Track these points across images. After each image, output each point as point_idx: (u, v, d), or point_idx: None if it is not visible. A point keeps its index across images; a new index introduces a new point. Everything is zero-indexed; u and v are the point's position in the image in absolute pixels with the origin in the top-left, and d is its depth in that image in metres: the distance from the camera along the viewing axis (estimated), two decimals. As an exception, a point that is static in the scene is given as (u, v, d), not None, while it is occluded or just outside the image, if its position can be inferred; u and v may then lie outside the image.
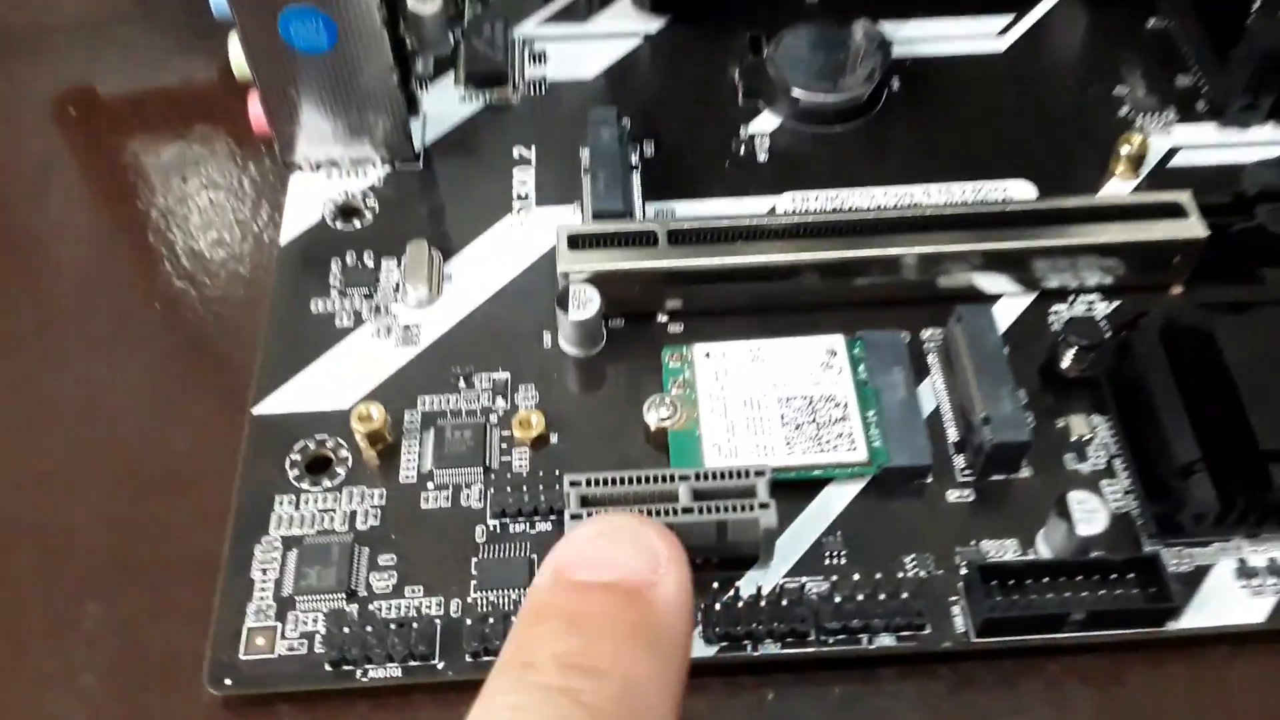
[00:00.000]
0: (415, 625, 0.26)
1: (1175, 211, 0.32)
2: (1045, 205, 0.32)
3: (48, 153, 0.37)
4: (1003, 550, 0.28)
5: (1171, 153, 0.36)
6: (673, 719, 0.20)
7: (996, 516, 0.28)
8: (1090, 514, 0.27)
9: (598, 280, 0.31)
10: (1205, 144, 0.36)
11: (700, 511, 0.26)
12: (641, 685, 0.19)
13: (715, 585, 0.27)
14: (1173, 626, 0.27)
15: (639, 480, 0.27)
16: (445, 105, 0.37)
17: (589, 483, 0.27)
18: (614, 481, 0.27)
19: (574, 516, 0.26)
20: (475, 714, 0.20)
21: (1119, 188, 0.35)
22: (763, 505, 0.26)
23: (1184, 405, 0.28)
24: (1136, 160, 0.35)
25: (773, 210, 0.34)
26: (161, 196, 0.36)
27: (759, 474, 0.27)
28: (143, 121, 0.38)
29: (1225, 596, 0.27)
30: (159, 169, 0.37)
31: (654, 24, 0.39)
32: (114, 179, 0.37)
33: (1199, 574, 0.27)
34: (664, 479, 0.27)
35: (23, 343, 0.32)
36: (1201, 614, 0.27)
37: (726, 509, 0.26)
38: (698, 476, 0.27)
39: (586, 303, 0.30)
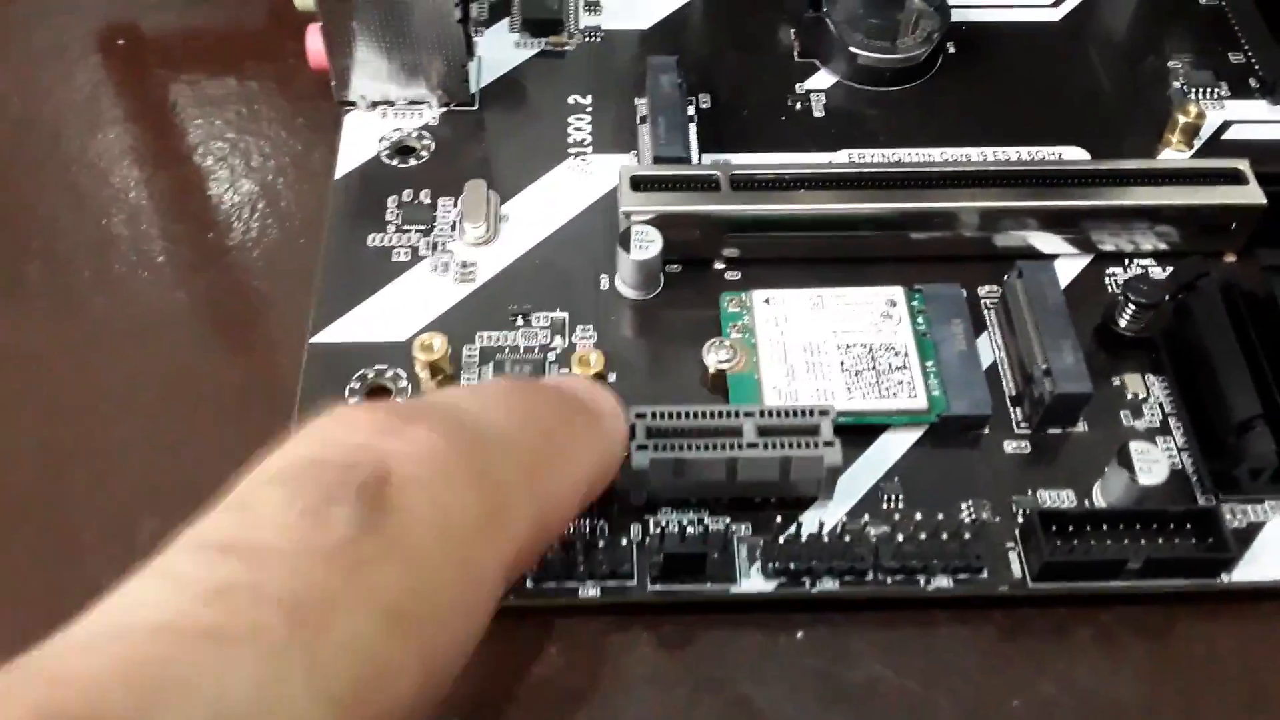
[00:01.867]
0: (476, 551, 0.26)
1: (1234, 178, 0.32)
2: (1107, 166, 0.32)
3: (95, 83, 0.37)
4: (1059, 500, 0.28)
5: (1224, 126, 0.36)
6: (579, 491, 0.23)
7: (1052, 468, 0.29)
8: (1152, 464, 0.27)
9: (659, 222, 0.31)
10: (1257, 119, 0.36)
11: (765, 447, 0.26)
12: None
13: (778, 520, 0.27)
14: (1225, 579, 0.27)
15: (705, 415, 0.27)
16: (500, 50, 0.37)
17: (655, 415, 0.27)
18: (680, 415, 0.27)
19: (639, 448, 0.26)
20: None
21: (1172, 157, 0.35)
22: (827, 443, 0.27)
23: (1244, 363, 0.28)
24: (1191, 131, 0.35)
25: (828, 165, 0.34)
26: (212, 129, 0.36)
27: (823, 413, 0.27)
28: (191, 57, 0.38)
29: (1278, 552, 0.27)
30: (209, 102, 0.37)
31: (710, -23, 0.39)
32: (164, 110, 0.37)
33: (1252, 530, 0.28)
34: (730, 414, 0.27)
35: (77, 268, 0.32)
36: (1253, 568, 0.27)
37: (791, 445, 0.26)
38: (762, 414, 0.27)
39: (648, 243, 0.30)
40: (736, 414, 0.27)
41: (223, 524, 0.20)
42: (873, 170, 0.32)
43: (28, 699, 0.16)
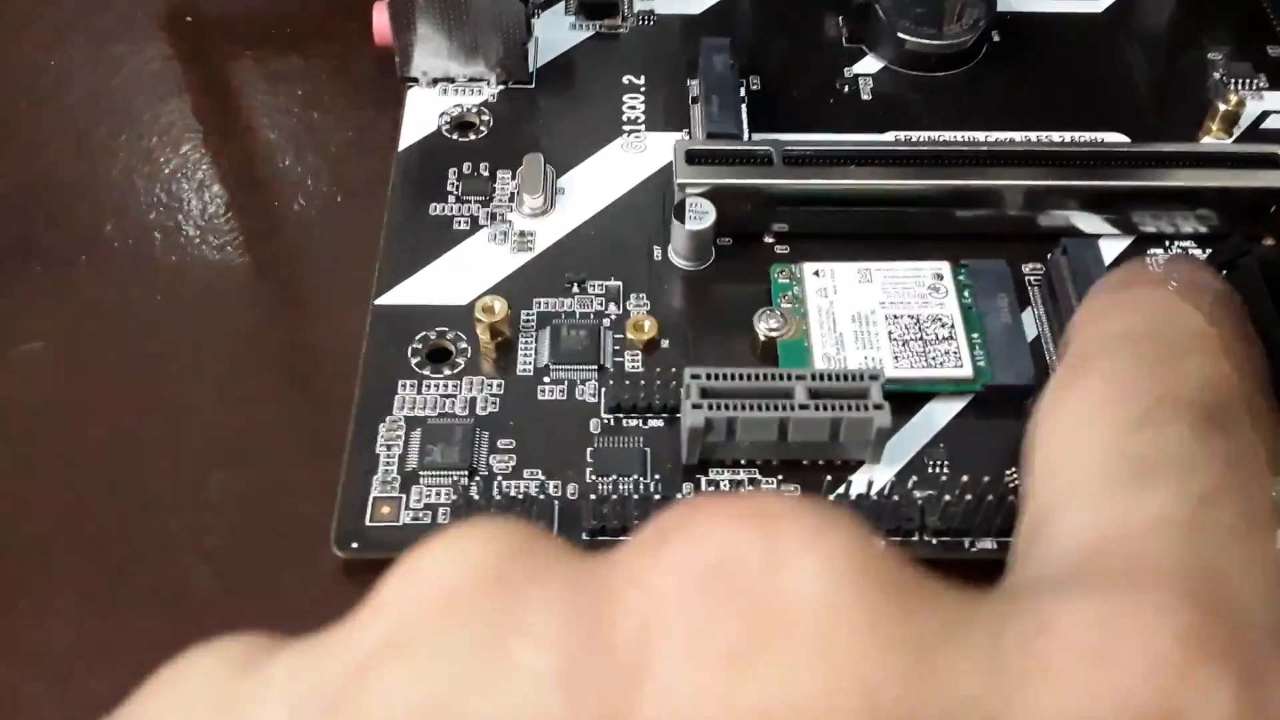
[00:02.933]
0: (536, 504, 0.27)
1: (1274, 162, 0.33)
2: (1148, 149, 0.33)
3: (163, 58, 0.38)
4: (1100, 469, 0.29)
5: (1263, 116, 0.37)
6: None
7: (1094, 438, 0.29)
8: (1192, 433, 0.27)
9: (712, 194, 0.32)
10: (1296, 110, 0.37)
11: (816, 409, 0.27)
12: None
13: (827, 479, 0.28)
14: (1265, 548, 0.28)
15: (758, 377, 0.28)
16: (555, 31, 0.38)
17: (709, 376, 0.28)
18: (734, 377, 0.28)
19: (694, 407, 0.27)
20: None
21: (1212, 144, 0.36)
22: (877, 406, 0.27)
23: (1284, 338, 0.29)
24: (1231, 120, 0.35)
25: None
26: (278, 103, 0.37)
27: (873, 378, 0.28)
28: (255, 35, 0.39)
29: (1315, 524, 0.28)
30: (274, 78, 0.38)
31: (760, -33, 0.40)
32: (231, 86, 0.38)
33: (1290, 502, 0.28)
34: (782, 377, 0.28)
35: (150, 233, 0.33)
36: (1292, 538, 0.28)
37: (841, 408, 0.27)
38: (813, 377, 0.28)
39: (703, 214, 0.31)
40: (788, 376, 0.28)
41: None
42: (921, 149, 0.33)
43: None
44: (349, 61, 0.38)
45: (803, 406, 0.27)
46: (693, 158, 0.32)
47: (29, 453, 0.29)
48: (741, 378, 0.28)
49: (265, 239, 0.34)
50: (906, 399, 0.29)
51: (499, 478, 0.28)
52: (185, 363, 0.31)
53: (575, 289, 0.32)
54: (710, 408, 0.27)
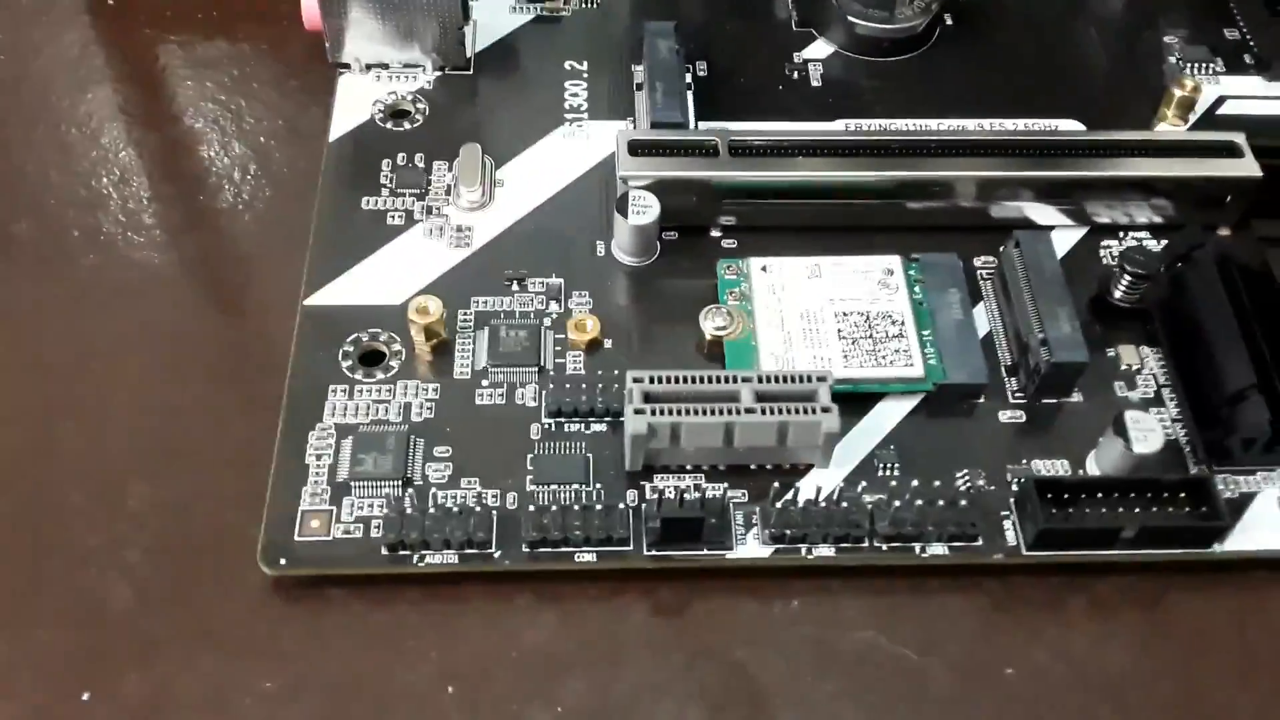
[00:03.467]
0: (473, 515, 0.26)
1: (1230, 151, 0.32)
2: (1103, 138, 0.32)
3: (84, 42, 0.37)
4: (1053, 469, 0.28)
5: (1219, 101, 0.36)
6: None
7: (1047, 437, 0.29)
8: (1146, 433, 0.27)
9: (657, 187, 0.31)
10: (1253, 95, 0.36)
11: (763, 413, 0.26)
12: None
13: (775, 485, 0.27)
14: (1219, 549, 0.27)
15: (702, 380, 0.27)
16: (495, 15, 0.37)
17: (652, 380, 0.27)
18: (677, 380, 0.27)
19: (637, 412, 0.26)
20: None
21: (1169, 131, 0.35)
22: (825, 409, 0.26)
23: (1240, 333, 0.28)
24: (1187, 105, 0.35)
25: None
26: (204, 91, 0.35)
27: (820, 379, 0.27)
28: (181, 18, 0.38)
29: (1269, 522, 0.28)
30: (201, 63, 0.36)
31: (707, -52, 0.39)
32: (154, 72, 0.36)
33: (1244, 501, 0.28)
34: (727, 380, 0.27)
35: (67, 227, 0.32)
36: (1245, 538, 0.27)
37: (789, 411, 0.26)
38: (760, 379, 0.27)
39: (646, 209, 0.30)
40: (734, 379, 0.27)
41: None
42: (871, 139, 0.32)
43: None
44: (279, 46, 0.37)
45: (749, 410, 0.26)
46: (635, 149, 0.31)
47: (-64, 463, 0.28)
48: (686, 380, 0.27)
49: (189, 235, 0.32)
50: (856, 399, 0.29)
51: (434, 487, 0.27)
52: (104, 366, 0.29)
53: (515, 287, 0.31)
54: (653, 413, 0.26)
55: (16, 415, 0.28)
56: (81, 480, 0.28)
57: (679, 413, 0.26)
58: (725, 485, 0.27)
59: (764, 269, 0.30)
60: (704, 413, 0.26)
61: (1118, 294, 0.31)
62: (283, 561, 0.26)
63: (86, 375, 0.29)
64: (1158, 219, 0.33)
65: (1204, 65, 0.37)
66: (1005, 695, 0.26)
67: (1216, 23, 0.38)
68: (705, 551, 0.26)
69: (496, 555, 0.26)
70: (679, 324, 0.30)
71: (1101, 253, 0.32)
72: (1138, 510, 0.27)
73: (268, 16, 0.37)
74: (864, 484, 0.27)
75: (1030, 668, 0.26)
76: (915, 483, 0.27)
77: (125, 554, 0.27)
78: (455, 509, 0.26)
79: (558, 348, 0.29)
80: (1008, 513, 0.27)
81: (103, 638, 0.25)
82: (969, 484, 0.28)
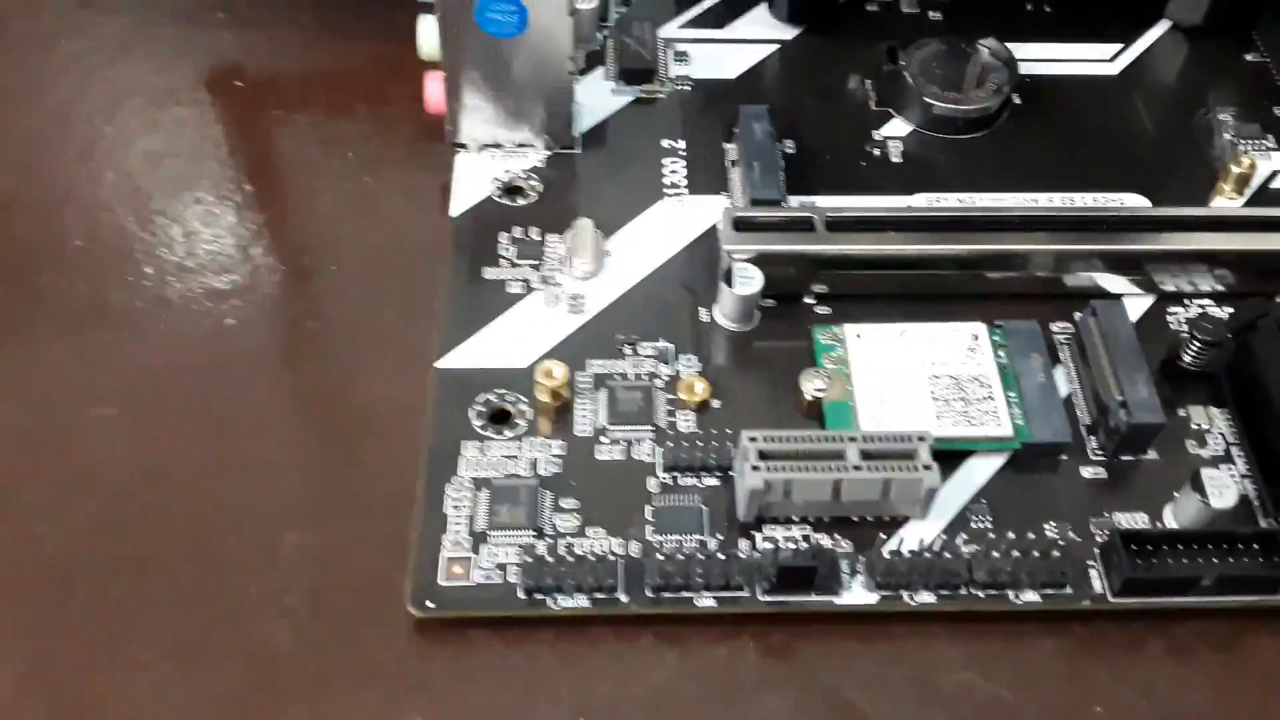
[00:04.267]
0: (600, 562, 0.29)
1: (1288, 225, 0.34)
2: (1170, 213, 0.35)
3: (219, 121, 0.40)
4: (1133, 521, 0.30)
5: (1273, 175, 0.38)
6: None
7: (1126, 492, 0.31)
8: (1222, 489, 0.29)
9: (758, 259, 0.33)
10: (1304, 169, 0.39)
11: (868, 469, 0.29)
12: None
13: (880, 536, 0.29)
14: (1291, 597, 0.29)
15: (811, 439, 0.29)
16: (596, 97, 0.40)
17: (766, 439, 0.29)
18: (788, 439, 0.29)
19: (754, 469, 0.29)
20: None
21: (1225, 205, 0.37)
22: (926, 467, 0.29)
23: (1304, 396, 0.30)
24: (1243, 180, 0.37)
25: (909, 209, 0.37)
26: (330, 168, 0.38)
27: (921, 439, 0.29)
28: (303, 99, 0.41)
29: (1338, 573, 0.30)
30: (325, 142, 0.39)
31: (789, 32, 0.42)
32: (283, 150, 0.39)
33: (1313, 552, 0.30)
34: (834, 439, 0.29)
35: (222, 295, 0.35)
36: (1316, 587, 0.29)
37: (892, 469, 0.29)
38: (864, 438, 0.29)
39: (749, 279, 0.33)
40: (840, 439, 0.29)
41: None
42: (953, 214, 0.34)
43: None
44: (398, 125, 0.39)
45: (855, 467, 0.29)
46: (740, 225, 0.34)
47: (109, 513, 0.30)
48: (796, 439, 0.29)
49: (326, 303, 0.35)
50: (949, 456, 0.31)
51: (565, 536, 0.29)
52: (254, 425, 0.32)
53: (628, 350, 0.33)
54: (769, 469, 0.29)
55: (179, 472, 0.31)
56: (241, 531, 0.30)
57: (791, 469, 0.29)
58: (833, 535, 0.30)
59: (859, 336, 0.33)
60: (814, 469, 0.29)
61: (1187, 359, 0.33)
62: (429, 604, 0.28)
63: (244, 432, 0.32)
64: (1221, 287, 0.35)
65: (1257, 142, 0.39)
66: (1096, 732, 0.28)
67: (1266, 101, 0.41)
68: (816, 597, 0.29)
69: (623, 600, 0.28)
70: (779, 386, 0.33)
71: (1169, 319, 0.35)
72: (1215, 560, 0.29)
73: (385, 98, 0.40)
74: (962, 536, 0.30)
75: (1118, 706, 0.28)
76: (1010, 535, 0.29)
77: (283, 599, 0.29)
78: (585, 556, 0.29)
79: (669, 407, 0.32)
80: (1093, 562, 0.29)
81: (267, 676, 0.28)
82: (1057, 535, 0.30)
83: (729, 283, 0.33)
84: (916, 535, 0.29)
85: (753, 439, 0.29)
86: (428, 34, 0.35)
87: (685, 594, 0.29)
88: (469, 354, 0.33)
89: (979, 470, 0.31)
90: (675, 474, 0.31)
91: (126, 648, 0.28)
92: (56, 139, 0.39)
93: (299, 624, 0.29)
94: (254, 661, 0.28)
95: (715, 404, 0.32)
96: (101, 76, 0.41)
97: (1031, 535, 0.30)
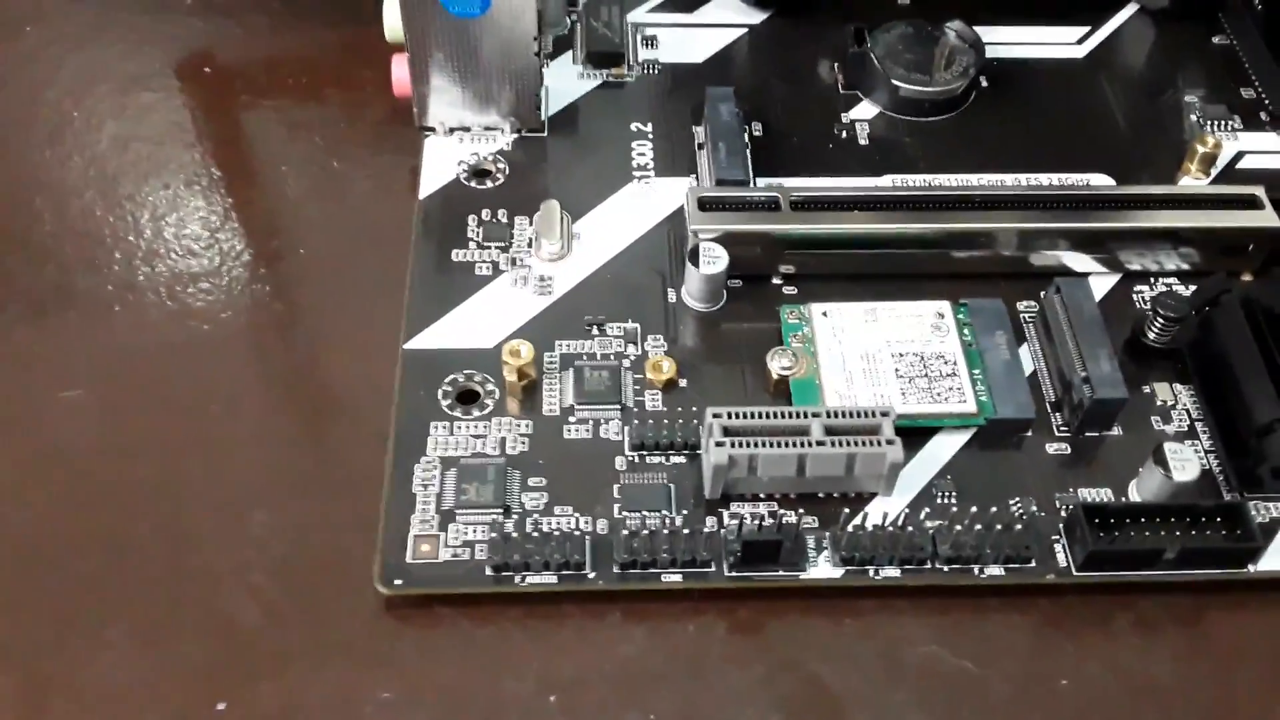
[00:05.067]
0: (569, 539, 0.29)
1: (1251, 203, 0.35)
2: (1134, 192, 0.35)
3: (189, 106, 0.40)
4: (1098, 497, 0.30)
5: (1238, 156, 0.39)
6: None
7: (1091, 468, 0.31)
8: (1184, 462, 0.29)
9: (724, 239, 0.33)
10: (1269, 150, 0.39)
11: (832, 445, 0.29)
12: None
13: (844, 512, 0.29)
14: (1252, 569, 0.29)
15: (775, 415, 0.29)
16: (565, 81, 0.40)
17: (730, 415, 0.29)
18: (753, 415, 0.29)
19: (718, 445, 0.29)
20: None
21: (1193, 185, 0.38)
22: (889, 441, 0.29)
23: (1266, 370, 0.31)
24: (1209, 160, 0.38)
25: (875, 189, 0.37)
26: (299, 152, 0.38)
27: (884, 414, 0.29)
28: (273, 85, 0.41)
29: (1299, 545, 0.30)
30: (295, 125, 0.39)
31: (757, 17, 0.42)
32: (252, 134, 0.39)
33: (1275, 525, 0.30)
34: (799, 415, 0.29)
35: (186, 279, 0.35)
36: (1277, 559, 0.30)
37: (856, 444, 0.29)
38: (829, 414, 0.29)
39: (716, 259, 0.33)
40: (805, 414, 0.29)
41: None
42: (919, 193, 0.35)
43: None
44: (365, 109, 0.39)
45: (819, 443, 0.29)
46: (705, 204, 0.34)
47: (78, 494, 0.30)
48: (761, 416, 0.29)
49: (295, 286, 0.35)
50: (914, 433, 0.31)
51: (532, 514, 0.29)
52: (223, 406, 0.32)
53: (595, 331, 0.33)
54: (733, 445, 0.29)
55: (148, 452, 0.31)
56: (209, 511, 0.30)
57: (756, 445, 0.29)
58: (798, 512, 0.30)
59: (824, 314, 0.33)
60: (779, 445, 0.29)
61: (1151, 335, 0.33)
62: (398, 581, 0.28)
63: (207, 415, 0.32)
64: (1185, 266, 0.35)
65: (1223, 122, 0.40)
66: (1060, 703, 0.28)
67: (1233, 81, 0.41)
68: (781, 572, 0.29)
69: (591, 576, 0.29)
70: (746, 365, 0.33)
71: (1134, 297, 0.35)
72: (1178, 534, 0.29)
73: (353, 84, 0.40)
74: (925, 510, 0.30)
75: (1082, 678, 0.28)
76: (973, 508, 0.30)
77: (251, 576, 0.29)
78: (552, 534, 0.29)
79: (637, 387, 0.32)
80: (1057, 536, 0.30)
81: (235, 652, 0.28)
82: (1021, 510, 0.30)
83: (695, 262, 0.33)
84: (881, 511, 0.30)
85: (717, 415, 0.29)
86: (393, 15, 0.35)
87: (652, 570, 0.29)
88: (437, 335, 0.33)
89: (944, 447, 0.31)
90: (642, 452, 0.31)
91: (95, 625, 0.28)
92: (24, 124, 0.39)
93: (267, 601, 0.29)
94: (222, 638, 0.28)
95: (682, 383, 0.32)
96: (70, 62, 0.41)
97: (996, 510, 0.30)
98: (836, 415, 0.29)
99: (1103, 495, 0.31)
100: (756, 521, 0.29)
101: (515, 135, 0.38)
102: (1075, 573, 0.29)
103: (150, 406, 0.32)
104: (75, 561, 0.29)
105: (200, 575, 0.29)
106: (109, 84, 0.40)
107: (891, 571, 0.29)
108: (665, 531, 0.29)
